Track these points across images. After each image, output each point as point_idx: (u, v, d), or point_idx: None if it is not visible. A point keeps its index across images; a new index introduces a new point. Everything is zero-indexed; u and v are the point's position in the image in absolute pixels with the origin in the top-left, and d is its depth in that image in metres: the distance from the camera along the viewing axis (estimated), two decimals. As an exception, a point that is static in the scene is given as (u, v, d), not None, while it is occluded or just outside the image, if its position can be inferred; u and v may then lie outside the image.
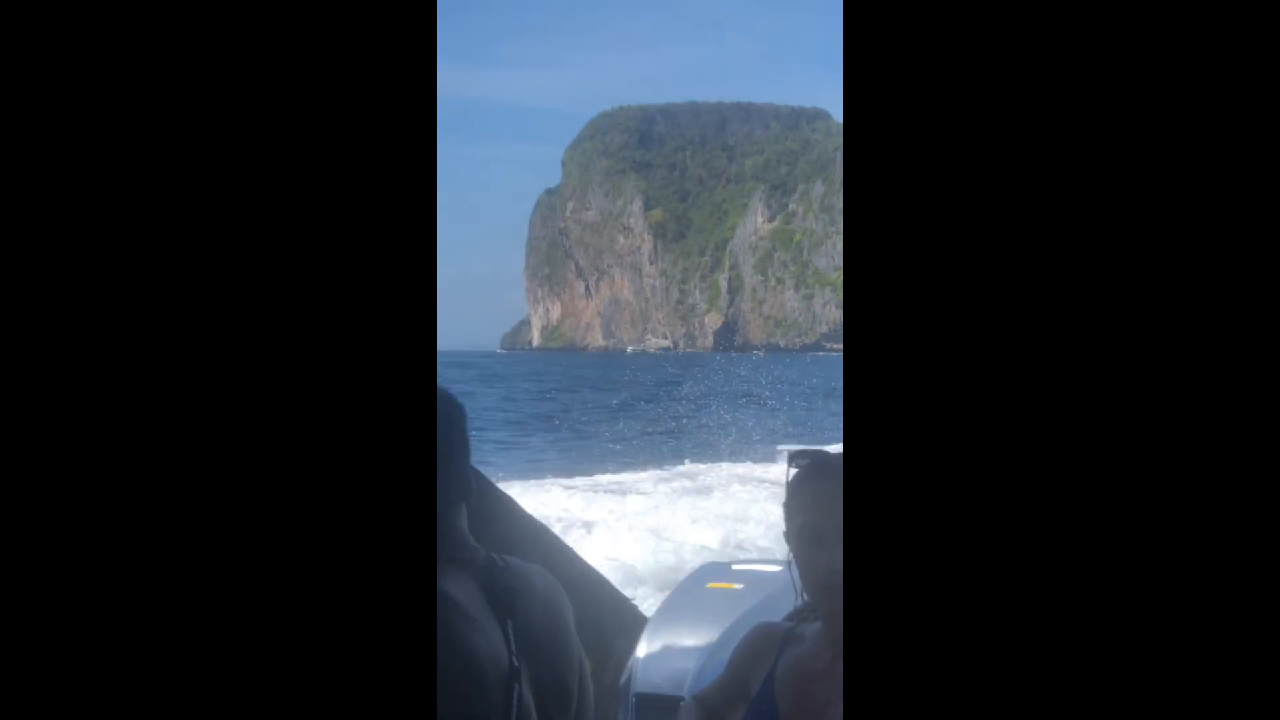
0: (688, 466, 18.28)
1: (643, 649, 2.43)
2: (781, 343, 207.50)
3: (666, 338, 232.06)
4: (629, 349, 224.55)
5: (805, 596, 1.42)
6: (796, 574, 1.41)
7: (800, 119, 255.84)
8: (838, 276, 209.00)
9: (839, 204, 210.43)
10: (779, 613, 2.32)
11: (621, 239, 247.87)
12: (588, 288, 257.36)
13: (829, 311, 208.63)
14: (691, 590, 2.76)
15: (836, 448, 1.42)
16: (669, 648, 2.42)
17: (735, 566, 2.92)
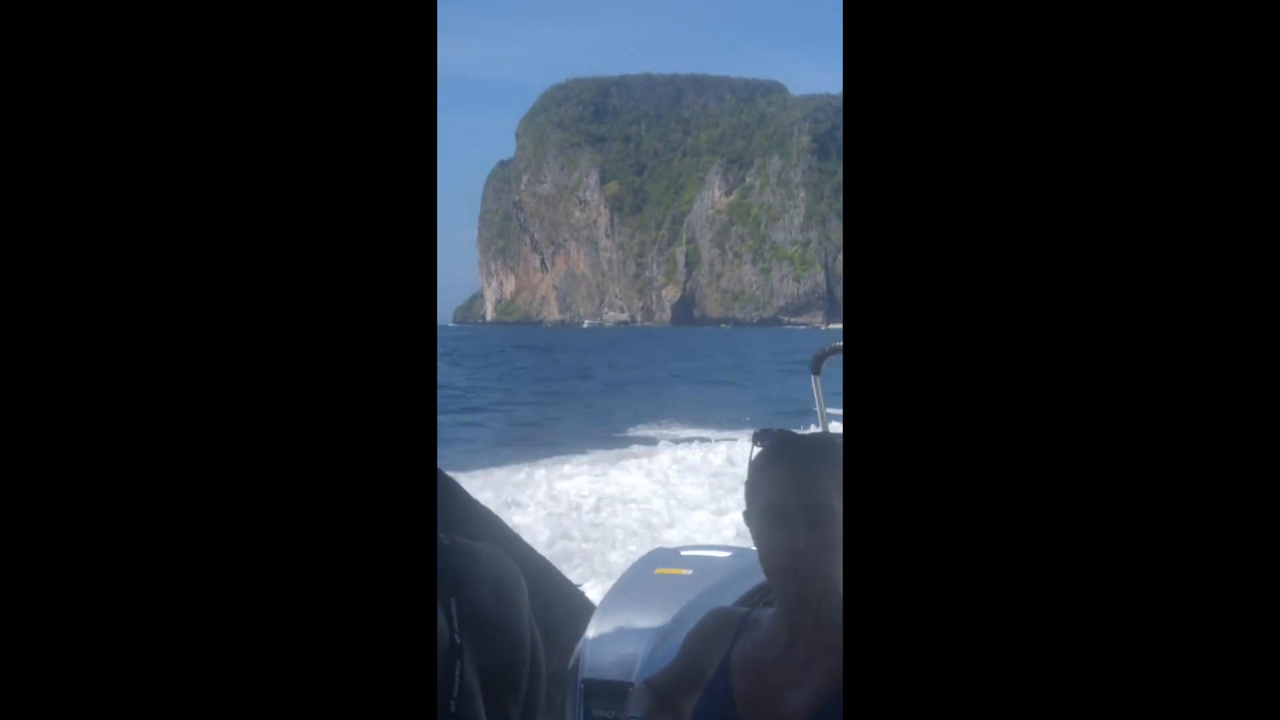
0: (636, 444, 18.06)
1: (591, 635, 2.42)
2: (739, 316, 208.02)
3: (624, 311, 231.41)
4: (585, 323, 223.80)
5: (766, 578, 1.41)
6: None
7: (755, 92, 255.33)
8: (795, 250, 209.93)
9: (796, 177, 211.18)
10: (728, 598, 2.33)
11: (577, 212, 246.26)
12: (543, 261, 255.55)
13: (786, 285, 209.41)
14: (640, 576, 2.73)
15: (805, 429, 1.34)
16: (617, 633, 2.40)
17: (684, 552, 2.89)
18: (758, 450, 1.43)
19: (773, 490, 1.37)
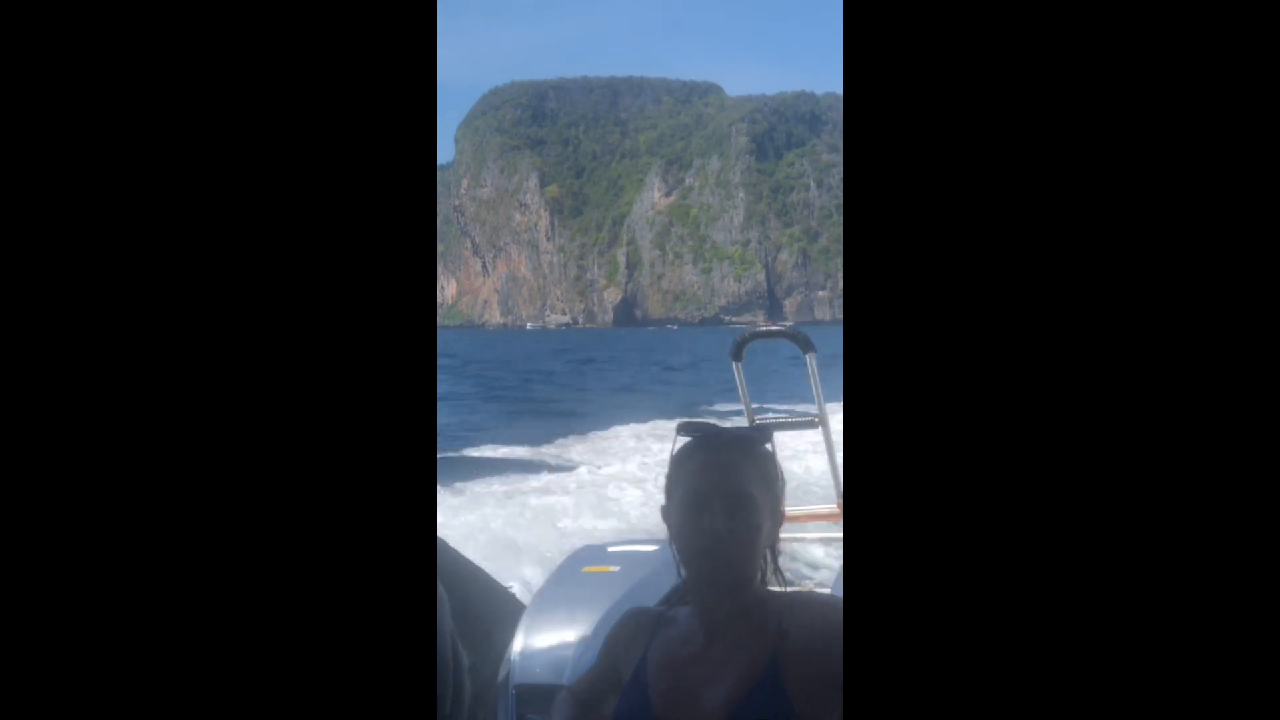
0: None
1: (519, 639, 2.38)
2: (681, 316, 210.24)
3: (566, 314, 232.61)
4: (529, 325, 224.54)
5: (682, 571, 1.39)
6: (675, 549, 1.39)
7: (692, 93, 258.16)
8: (735, 250, 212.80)
9: (735, 178, 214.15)
10: (656, 593, 2.33)
11: (518, 216, 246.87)
12: (484, 265, 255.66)
13: (727, 285, 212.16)
14: (567, 575, 2.68)
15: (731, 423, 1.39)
16: (546, 636, 2.36)
17: (611, 548, 2.83)
18: (682, 440, 1.44)
19: (694, 477, 1.37)
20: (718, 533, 1.33)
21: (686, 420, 1.45)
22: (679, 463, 1.41)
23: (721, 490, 1.34)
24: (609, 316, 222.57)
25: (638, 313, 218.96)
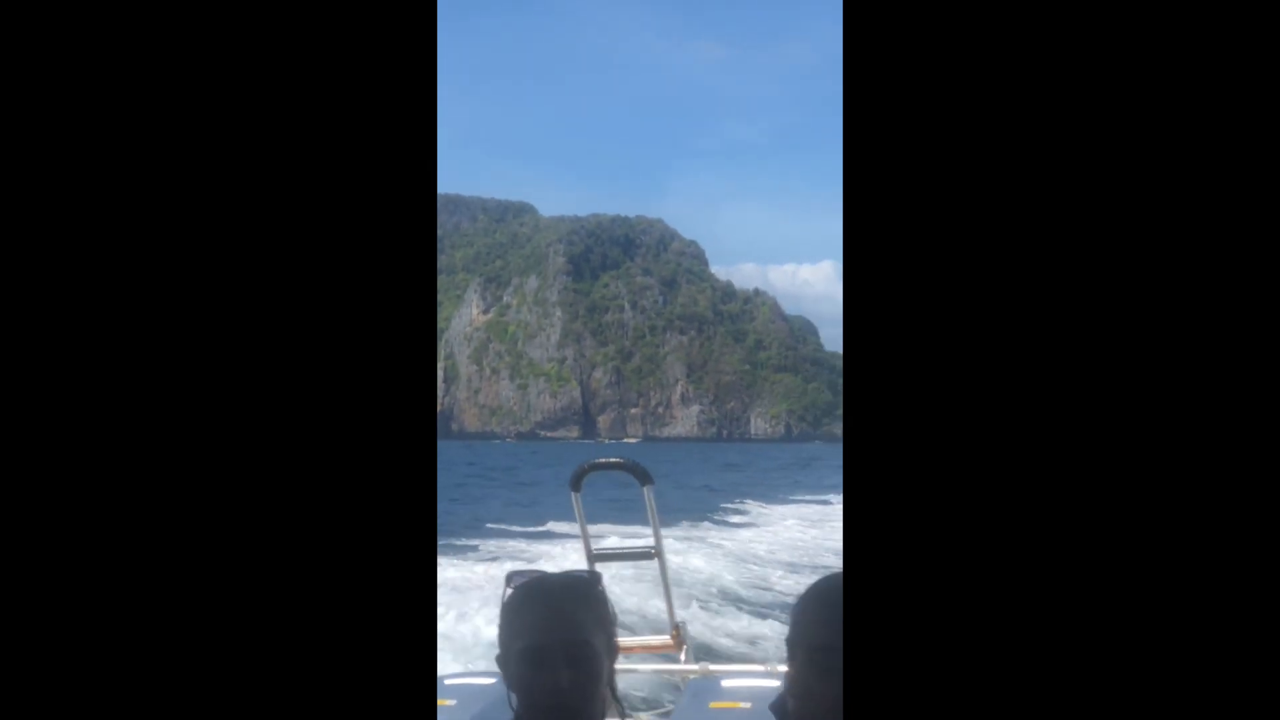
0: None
1: None
2: (498, 430, 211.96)
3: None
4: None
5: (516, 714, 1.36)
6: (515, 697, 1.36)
7: (507, 212, 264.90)
8: (551, 366, 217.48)
9: (552, 296, 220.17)
10: None
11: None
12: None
13: (543, 400, 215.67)
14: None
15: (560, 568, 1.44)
16: None
17: (448, 681, 2.75)
18: (509, 591, 1.41)
19: (531, 632, 1.33)
20: (560, 687, 1.30)
21: (515, 570, 1.45)
22: (513, 614, 1.38)
23: (560, 642, 1.31)
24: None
25: (454, 425, 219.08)
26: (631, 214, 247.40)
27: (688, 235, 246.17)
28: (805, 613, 1.31)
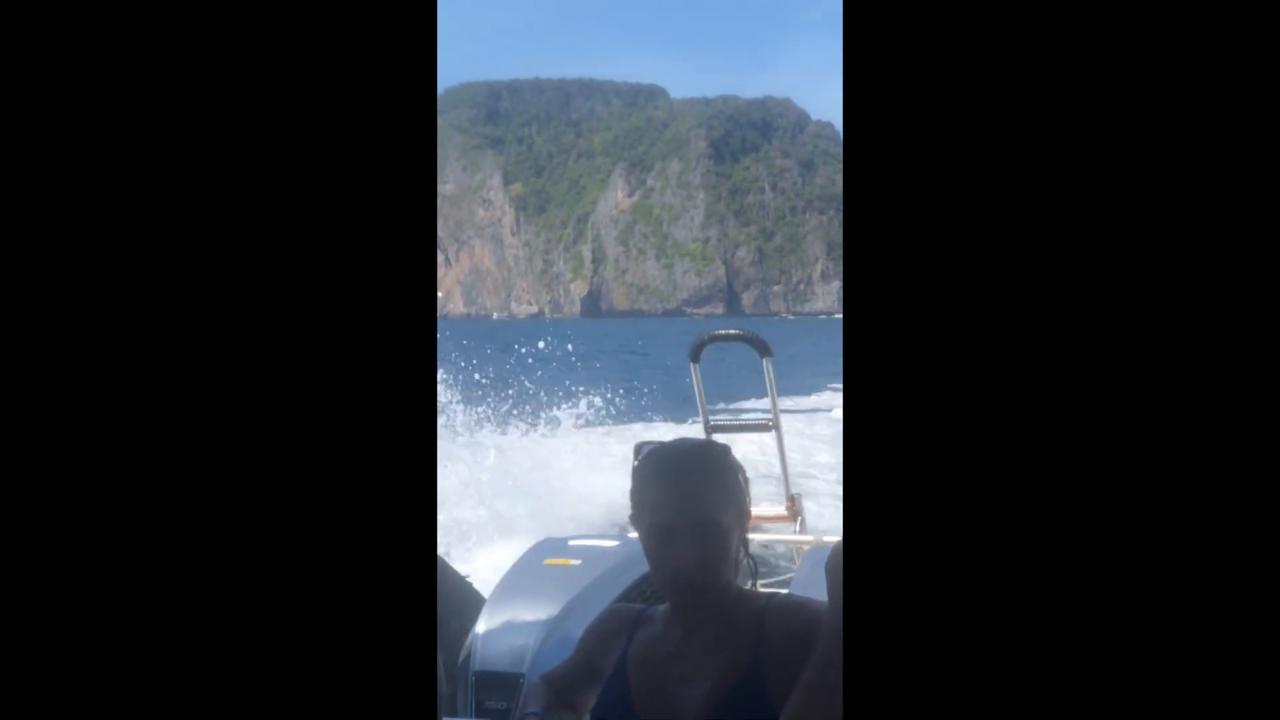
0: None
1: (481, 627, 2.40)
2: (645, 308, 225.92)
3: (534, 304, 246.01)
4: (495, 315, 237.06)
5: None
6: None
7: (639, 95, 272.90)
8: (696, 246, 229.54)
9: (695, 180, 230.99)
10: (617, 588, 2.45)
11: (481, 211, 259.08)
12: (447, 257, 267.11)
13: (689, 279, 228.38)
14: (528, 567, 2.70)
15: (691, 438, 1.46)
16: (507, 626, 2.37)
17: (572, 542, 2.86)
18: (639, 463, 1.44)
19: (659, 510, 1.36)
20: (687, 562, 1.34)
21: (642, 442, 1.51)
22: (642, 487, 1.41)
23: (687, 521, 1.34)
24: (575, 308, 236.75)
25: (603, 305, 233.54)
26: (760, 94, 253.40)
27: (815, 114, 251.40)
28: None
